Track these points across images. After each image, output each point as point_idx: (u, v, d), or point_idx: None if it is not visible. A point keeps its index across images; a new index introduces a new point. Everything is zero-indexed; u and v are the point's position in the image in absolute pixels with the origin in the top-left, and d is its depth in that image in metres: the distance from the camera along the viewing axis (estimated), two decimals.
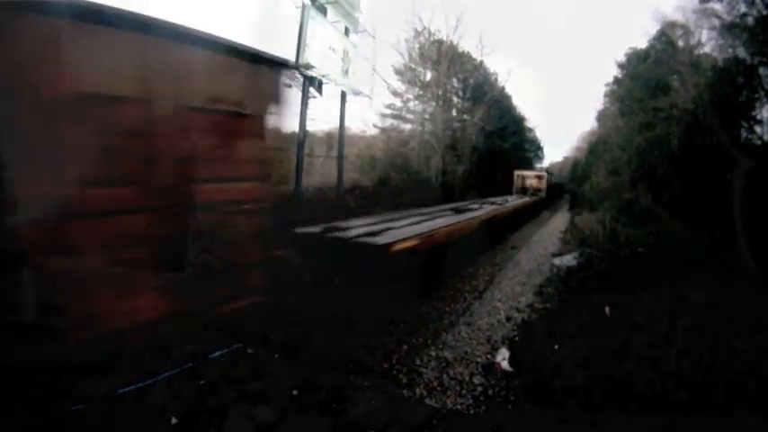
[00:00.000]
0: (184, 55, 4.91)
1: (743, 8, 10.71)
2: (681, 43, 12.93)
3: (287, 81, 6.96)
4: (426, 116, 18.03)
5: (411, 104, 18.21)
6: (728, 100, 11.07)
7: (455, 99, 18.74)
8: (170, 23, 4.74)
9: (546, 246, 12.07)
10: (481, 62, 18.52)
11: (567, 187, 24.44)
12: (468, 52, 18.12)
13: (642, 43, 14.39)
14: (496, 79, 19.39)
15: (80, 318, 4.03)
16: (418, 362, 4.99)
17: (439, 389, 4.55)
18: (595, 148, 18.80)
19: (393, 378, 4.62)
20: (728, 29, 11.09)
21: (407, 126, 18.19)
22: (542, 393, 4.29)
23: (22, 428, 2.98)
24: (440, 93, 17.89)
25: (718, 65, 11.73)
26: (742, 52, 11.19)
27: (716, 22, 11.44)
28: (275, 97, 6.05)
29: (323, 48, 11.07)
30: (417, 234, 6.97)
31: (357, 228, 7.41)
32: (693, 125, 11.56)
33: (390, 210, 11.64)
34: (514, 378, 4.68)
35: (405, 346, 5.25)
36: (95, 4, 4.25)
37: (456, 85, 18.65)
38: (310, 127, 11.27)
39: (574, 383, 4.28)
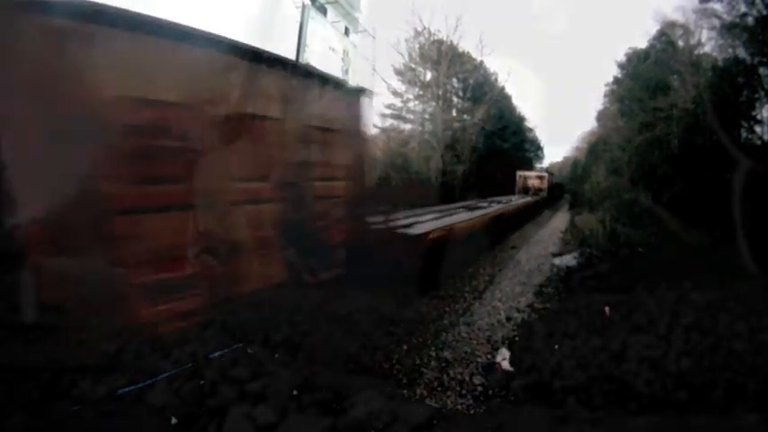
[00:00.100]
0: (302, 87, 6.66)
1: (743, 8, 10.71)
2: (681, 43, 12.93)
3: (365, 104, 8.72)
4: (426, 116, 18.02)
5: (411, 104, 18.21)
6: (728, 100, 11.05)
7: (455, 99, 18.73)
8: (308, 66, 7.12)
9: (546, 246, 12.07)
10: (481, 62, 18.51)
11: (568, 187, 24.44)
12: (468, 52, 18.11)
13: (642, 43, 14.39)
14: (496, 79, 19.38)
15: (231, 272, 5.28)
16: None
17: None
18: (595, 148, 18.78)
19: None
20: (728, 29, 11.08)
21: (407, 126, 18.20)
22: (542, 393, 4.30)
23: (22, 428, 2.98)
24: (440, 93, 17.88)
25: (718, 65, 11.72)
26: (742, 52, 11.18)
27: (716, 22, 11.44)
28: (358, 117, 7.94)
29: (323, 48, 11.07)
30: (443, 227, 8.21)
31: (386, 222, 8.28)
32: (693, 125, 11.55)
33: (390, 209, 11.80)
34: (515, 378, 4.68)
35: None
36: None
37: (456, 85, 18.64)
38: None
39: (574, 383, 4.28)
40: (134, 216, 4.49)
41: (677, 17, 12.77)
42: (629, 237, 10.49)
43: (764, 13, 10.34)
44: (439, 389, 4.66)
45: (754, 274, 6.68)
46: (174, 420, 3.22)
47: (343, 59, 12.07)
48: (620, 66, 15.59)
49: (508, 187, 20.88)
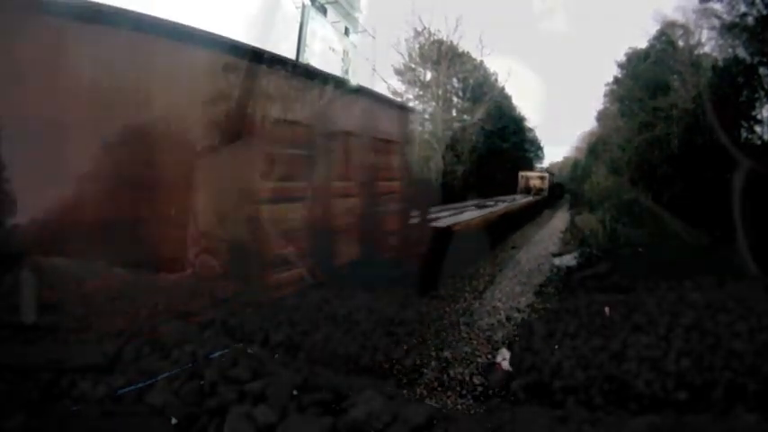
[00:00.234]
0: (370, 108, 8.33)
1: (743, 8, 10.70)
2: (681, 43, 12.92)
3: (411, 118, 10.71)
4: (426, 116, 18.02)
5: (411, 104, 18.20)
6: (728, 100, 11.05)
7: (455, 99, 18.73)
8: (371, 90, 9.09)
9: (546, 245, 12.08)
10: (481, 62, 18.49)
11: (568, 187, 24.47)
12: (468, 52, 18.10)
13: (642, 43, 14.37)
14: (496, 79, 19.34)
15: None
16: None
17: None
18: (595, 148, 18.77)
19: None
20: (728, 29, 11.07)
21: None
22: (542, 393, 4.30)
23: (22, 428, 2.98)
24: (440, 93, 17.87)
25: (718, 65, 11.71)
26: (742, 52, 11.17)
27: (716, 22, 11.44)
28: (406, 130, 9.78)
29: (323, 48, 11.07)
30: (461, 221, 9.57)
31: None
32: (693, 125, 11.54)
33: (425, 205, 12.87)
34: (515, 378, 4.68)
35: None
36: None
37: (456, 85, 18.62)
38: None
39: (574, 383, 4.28)
40: (272, 205, 6.09)
41: (677, 17, 12.76)
42: (629, 237, 10.49)
43: (764, 13, 10.34)
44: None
45: (754, 275, 6.68)
46: (174, 420, 3.22)
47: (343, 59, 12.10)
48: (620, 66, 15.58)
49: (508, 187, 20.90)
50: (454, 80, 18.47)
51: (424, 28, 17.28)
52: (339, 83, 7.64)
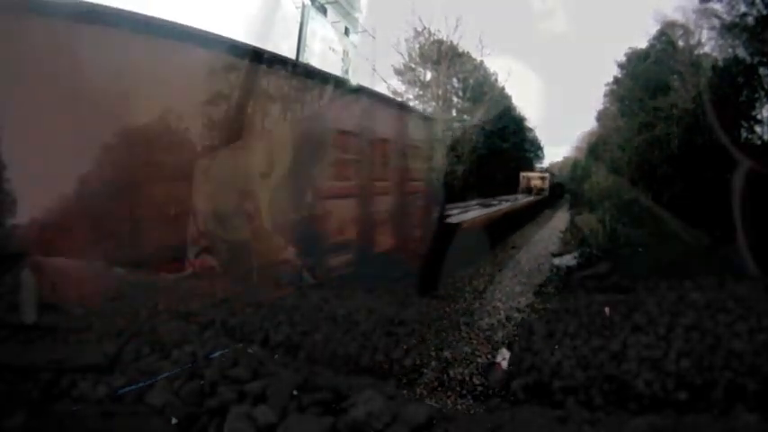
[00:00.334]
0: (402, 118, 9.79)
1: (743, 8, 10.69)
2: (681, 43, 12.92)
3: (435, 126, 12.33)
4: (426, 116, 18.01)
5: (411, 104, 18.18)
6: (728, 100, 11.04)
7: (455, 99, 18.72)
8: (404, 103, 10.79)
9: (546, 245, 12.08)
10: (481, 62, 18.48)
11: (568, 187, 24.52)
12: (468, 52, 18.08)
13: (642, 43, 14.36)
14: (496, 79, 19.33)
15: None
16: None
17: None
18: (595, 148, 18.77)
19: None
20: (728, 29, 11.07)
21: None
22: (542, 393, 4.30)
23: (22, 428, 2.98)
24: (440, 93, 17.86)
25: (718, 65, 11.70)
26: (742, 52, 11.16)
27: (716, 22, 11.43)
28: (431, 136, 11.26)
29: (323, 48, 11.07)
30: (468, 219, 10.63)
31: None
32: (693, 125, 11.53)
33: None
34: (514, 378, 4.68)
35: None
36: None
37: (456, 85, 18.62)
38: None
39: (574, 383, 4.28)
40: (331, 201, 7.22)
41: (677, 17, 12.75)
42: (629, 237, 10.49)
43: (764, 12, 10.33)
44: None
45: (754, 275, 6.68)
46: (174, 420, 3.22)
47: (343, 59, 12.09)
48: (621, 66, 15.57)
49: (508, 187, 20.94)
50: (454, 80, 18.45)
51: (424, 28, 17.25)
52: (383, 98, 9.65)
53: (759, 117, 11.29)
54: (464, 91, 18.59)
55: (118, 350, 4.03)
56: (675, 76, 12.89)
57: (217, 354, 4.12)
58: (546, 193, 21.42)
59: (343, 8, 11.96)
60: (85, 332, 4.17)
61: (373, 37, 13.41)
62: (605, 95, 17.08)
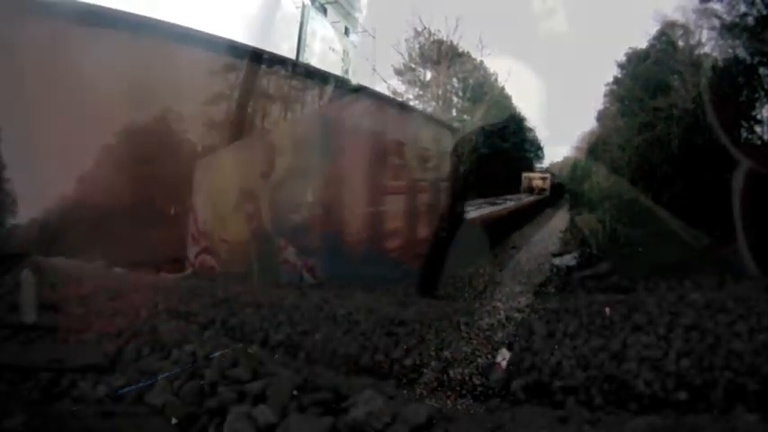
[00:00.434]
0: (439, 130, 11.97)
1: (743, 8, 10.69)
2: (681, 43, 12.90)
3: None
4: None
5: (411, 104, 18.18)
6: (728, 100, 11.02)
7: (455, 99, 18.72)
8: (433, 114, 12.29)
9: (546, 245, 12.08)
10: (481, 62, 18.47)
11: (568, 187, 24.57)
12: (468, 52, 18.07)
13: (642, 43, 14.33)
14: (496, 79, 19.32)
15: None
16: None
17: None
18: (595, 148, 18.76)
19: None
20: (728, 29, 11.06)
21: None
22: (542, 393, 4.29)
23: (22, 428, 2.98)
24: (440, 93, 17.85)
25: (718, 65, 11.69)
26: (742, 52, 11.16)
27: (716, 22, 11.42)
28: (450, 142, 12.02)
29: (323, 48, 11.08)
30: (477, 216, 11.66)
31: None
32: (693, 125, 11.52)
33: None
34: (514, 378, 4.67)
35: None
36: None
37: (456, 85, 18.62)
38: None
39: (574, 383, 4.28)
40: (388, 196, 8.98)
41: (677, 17, 12.73)
42: (629, 237, 10.48)
43: (764, 13, 10.33)
44: None
45: (754, 275, 6.67)
46: (174, 420, 3.22)
47: (343, 59, 12.09)
48: (620, 66, 15.54)
49: (508, 187, 20.98)
50: (454, 80, 18.45)
51: (424, 28, 17.21)
52: (429, 118, 12.31)
53: (759, 117, 11.29)
54: (464, 91, 18.59)
55: (118, 350, 4.03)
56: (675, 76, 12.88)
57: (217, 354, 4.11)
58: (547, 193, 21.52)
59: (343, 8, 11.97)
60: (85, 332, 4.17)
61: (373, 37, 13.39)
62: (605, 95, 17.06)
